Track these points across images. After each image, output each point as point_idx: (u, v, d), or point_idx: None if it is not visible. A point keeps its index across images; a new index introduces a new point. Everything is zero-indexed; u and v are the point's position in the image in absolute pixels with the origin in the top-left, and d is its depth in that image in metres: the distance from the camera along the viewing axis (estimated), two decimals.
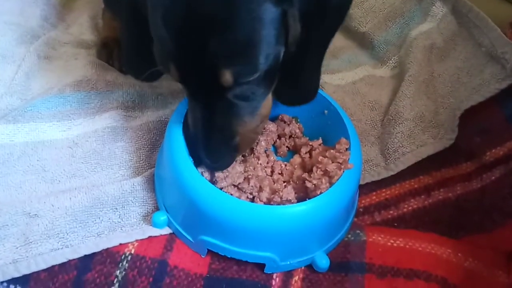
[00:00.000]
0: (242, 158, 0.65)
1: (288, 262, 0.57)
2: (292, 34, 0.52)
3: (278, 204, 0.58)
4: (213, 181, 0.58)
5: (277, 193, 0.59)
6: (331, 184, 0.58)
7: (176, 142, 0.58)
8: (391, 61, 0.89)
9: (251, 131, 0.59)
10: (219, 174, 0.58)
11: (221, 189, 0.58)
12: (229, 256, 0.57)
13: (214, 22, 0.46)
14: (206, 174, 0.59)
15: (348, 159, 0.60)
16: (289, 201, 0.58)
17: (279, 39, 0.51)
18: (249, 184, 0.59)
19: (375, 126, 0.77)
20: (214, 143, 0.55)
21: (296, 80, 0.60)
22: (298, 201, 0.58)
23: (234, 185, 0.60)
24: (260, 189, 0.60)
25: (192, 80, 0.52)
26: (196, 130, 0.56)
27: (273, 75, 0.55)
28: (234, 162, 0.60)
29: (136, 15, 0.54)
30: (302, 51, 0.55)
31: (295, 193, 0.60)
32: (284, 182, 0.62)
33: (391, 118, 0.75)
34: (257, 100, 0.56)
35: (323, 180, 0.58)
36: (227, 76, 0.49)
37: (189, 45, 0.48)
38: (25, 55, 0.80)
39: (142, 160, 0.69)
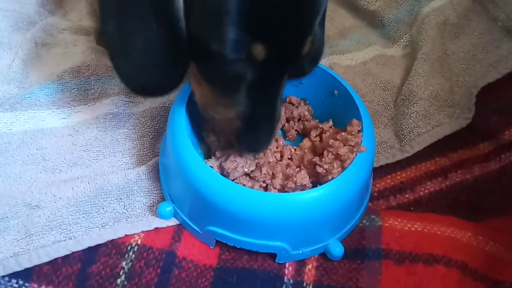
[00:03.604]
0: None
1: (300, 251, 0.56)
2: None
3: (293, 190, 0.55)
4: (224, 174, 0.56)
5: (290, 179, 0.56)
6: (343, 168, 0.55)
7: (179, 129, 0.56)
8: (402, 40, 0.86)
9: None
10: (229, 166, 0.56)
11: (233, 180, 0.55)
12: (238, 247, 0.55)
13: None
14: (216, 168, 0.57)
15: (361, 141, 0.57)
16: (304, 186, 0.56)
17: None
18: (261, 173, 0.57)
19: (388, 107, 0.75)
20: (275, 123, 0.54)
21: None
22: (313, 186, 0.56)
23: (246, 175, 0.57)
24: (273, 176, 0.57)
25: (275, 56, 0.47)
26: (252, 115, 0.52)
27: None
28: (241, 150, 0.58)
29: (165, 11, 0.47)
30: None
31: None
32: (296, 167, 0.60)
33: (405, 98, 0.73)
34: None
35: (335, 165, 0.56)
36: (308, 44, 0.47)
37: (287, 16, 0.44)
38: (22, 42, 0.78)
39: (146, 148, 0.67)
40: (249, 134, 0.53)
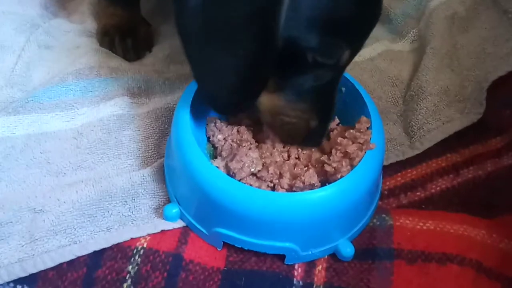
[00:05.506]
0: (256, 144, 0.61)
1: (310, 252, 0.54)
2: None
3: (301, 190, 0.54)
4: (230, 174, 0.55)
5: (298, 178, 0.55)
6: (352, 166, 0.54)
7: (184, 130, 0.55)
8: (410, 35, 0.85)
9: None
10: (235, 166, 0.55)
11: (240, 180, 0.55)
12: (246, 248, 0.54)
13: None
14: (222, 168, 0.56)
15: (370, 138, 0.56)
16: (313, 185, 0.55)
17: None
18: (268, 172, 0.56)
19: (397, 103, 0.74)
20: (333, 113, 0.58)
21: None
22: (321, 185, 0.55)
23: (253, 174, 0.57)
24: (280, 176, 0.56)
25: (351, 58, 0.53)
26: (323, 110, 0.56)
27: None
28: (247, 149, 0.58)
29: (265, 32, 0.47)
30: None
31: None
32: (304, 166, 0.59)
33: (414, 93, 0.71)
34: None
35: (344, 163, 0.55)
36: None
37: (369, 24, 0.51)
38: (25, 44, 0.78)
39: (151, 149, 0.66)
40: (318, 129, 0.57)
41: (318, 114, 0.56)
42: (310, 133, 0.57)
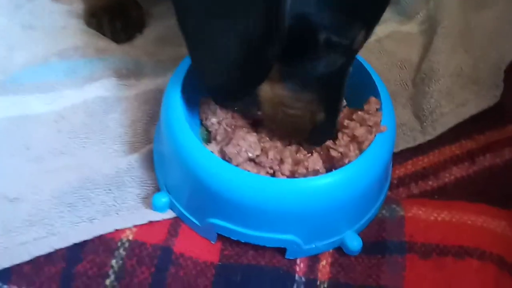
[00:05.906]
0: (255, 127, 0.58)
1: (313, 245, 0.52)
2: None
3: (304, 176, 0.51)
4: (226, 160, 0.53)
5: (301, 164, 0.52)
6: (360, 151, 0.51)
7: (175, 112, 0.53)
8: (419, 15, 0.82)
9: None
10: (231, 150, 0.52)
11: (236, 166, 0.52)
12: (243, 241, 0.52)
13: None
14: (217, 153, 0.53)
15: (380, 120, 0.53)
16: (317, 172, 0.51)
17: None
18: (267, 157, 0.53)
19: (406, 87, 0.71)
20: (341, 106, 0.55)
21: None
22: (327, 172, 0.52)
23: (251, 160, 0.54)
24: (281, 161, 0.53)
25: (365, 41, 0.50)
26: (330, 103, 0.52)
27: None
28: (244, 133, 0.55)
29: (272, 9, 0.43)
30: None
31: None
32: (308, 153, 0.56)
33: (425, 75, 0.69)
34: None
35: (351, 147, 0.52)
36: None
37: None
38: (7, 25, 0.76)
39: (139, 134, 0.63)
40: (325, 125, 0.53)
41: (325, 107, 0.52)
42: (317, 129, 0.53)
